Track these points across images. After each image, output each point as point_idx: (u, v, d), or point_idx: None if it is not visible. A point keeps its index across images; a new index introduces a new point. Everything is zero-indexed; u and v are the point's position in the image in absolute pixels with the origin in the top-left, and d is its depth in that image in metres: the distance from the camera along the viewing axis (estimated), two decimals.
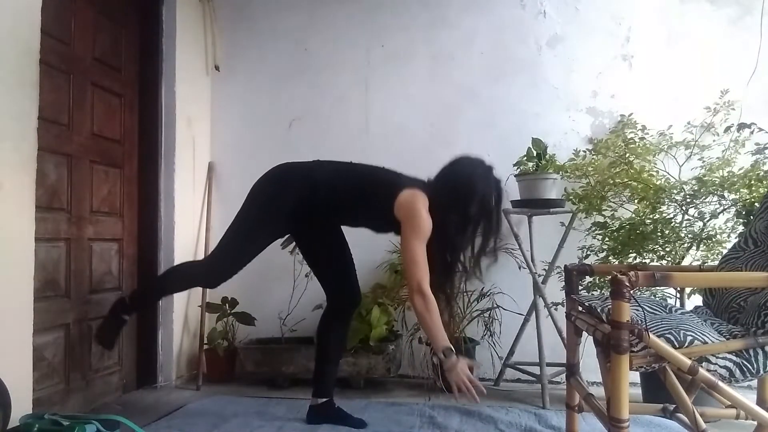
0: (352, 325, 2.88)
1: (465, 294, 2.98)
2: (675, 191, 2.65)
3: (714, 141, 2.84)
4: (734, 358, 1.45)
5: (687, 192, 2.61)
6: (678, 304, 2.42)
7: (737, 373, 1.45)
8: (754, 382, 1.74)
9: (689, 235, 2.61)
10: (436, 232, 2.04)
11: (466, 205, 2.07)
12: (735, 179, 2.53)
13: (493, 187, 2.12)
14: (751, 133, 2.65)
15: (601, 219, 2.76)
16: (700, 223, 2.62)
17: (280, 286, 3.19)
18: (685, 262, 2.62)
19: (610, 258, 2.70)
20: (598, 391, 1.77)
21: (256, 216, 2.20)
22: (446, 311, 2.32)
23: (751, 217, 2.10)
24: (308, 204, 2.16)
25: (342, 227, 2.37)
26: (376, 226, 2.27)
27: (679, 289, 2.47)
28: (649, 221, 2.63)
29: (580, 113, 3.19)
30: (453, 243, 2.13)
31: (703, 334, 1.46)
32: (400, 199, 2.05)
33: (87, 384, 2.60)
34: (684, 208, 2.64)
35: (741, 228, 2.51)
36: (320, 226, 2.31)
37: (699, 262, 2.58)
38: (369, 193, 2.16)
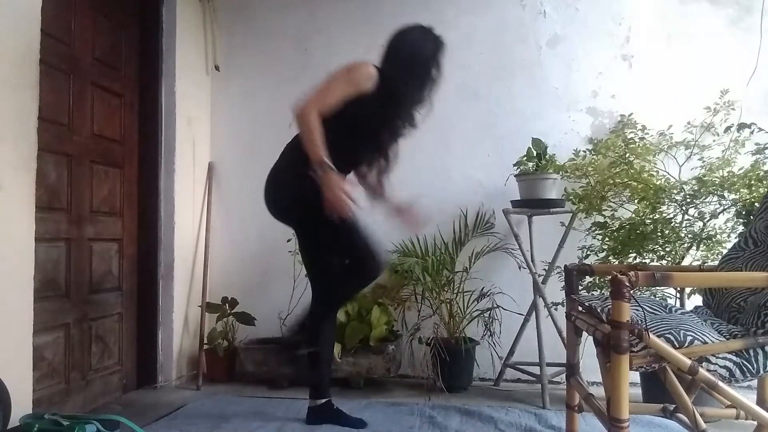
0: (352, 325, 2.89)
1: (465, 294, 2.98)
2: (675, 191, 2.65)
3: (714, 141, 2.84)
4: (734, 358, 1.45)
5: (687, 192, 2.61)
6: (678, 304, 2.42)
7: (737, 373, 1.45)
8: (754, 382, 1.74)
9: (689, 235, 2.61)
10: (387, 96, 2.06)
11: (409, 66, 2.12)
12: (735, 179, 2.52)
13: (432, 42, 2.17)
14: (751, 133, 2.65)
15: (601, 219, 2.76)
16: (700, 223, 2.62)
17: (280, 286, 3.19)
18: (685, 262, 2.62)
19: (610, 258, 2.70)
20: (598, 391, 1.77)
21: (302, 234, 2.27)
22: (384, 171, 2.30)
23: (751, 217, 2.10)
24: (283, 208, 2.18)
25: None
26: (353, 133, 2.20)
27: (679, 289, 2.47)
28: (649, 221, 2.63)
29: (580, 113, 3.19)
30: (395, 93, 2.12)
31: (703, 334, 1.46)
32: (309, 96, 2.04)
33: (87, 384, 2.60)
34: (684, 208, 2.64)
35: (741, 228, 2.51)
36: (305, 219, 2.25)
37: (699, 262, 2.58)
38: (285, 157, 2.23)
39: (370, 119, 2.10)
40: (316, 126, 1.98)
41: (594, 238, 2.79)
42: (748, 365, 1.45)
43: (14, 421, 1.87)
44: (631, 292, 1.37)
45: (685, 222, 2.64)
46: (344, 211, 1.93)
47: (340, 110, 2.04)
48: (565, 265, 2.07)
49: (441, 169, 3.23)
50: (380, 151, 2.26)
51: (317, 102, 2.01)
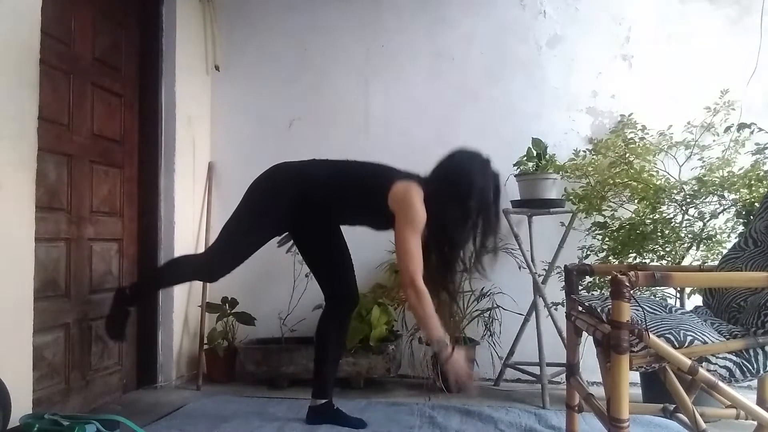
0: (352, 325, 2.88)
1: (465, 294, 2.98)
2: (675, 191, 2.65)
3: (714, 141, 2.84)
4: (734, 358, 1.45)
5: (687, 192, 2.61)
6: (678, 304, 2.42)
7: (737, 373, 1.45)
8: (754, 382, 1.74)
9: (689, 235, 2.61)
10: (433, 225, 2.01)
11: (464, 197, 2.02)
12: (735, 179, 2.53)
13: (491, 179, 2.08)
14: (751, 133, 2.65)
15: (601, 219, 2.76)
16: (700, 223, 2.62)
17: (280, 286, 3.19)
18: (685, 262, 2.62)
19: (610, 258, 2.70)
20: (598, 391, 1.77)
21: (251, 213, 2.21)
22: (448, 308, 2.28)
23: (751, 217, 2.10)
24: (302, 202, 2.15)
25: (342, 227, 2.37)
26: (373, 223, 2.26)
27: (679, 289, 2.47)
28: (649, 221, 2.63)
29: (580, 113, 3.19)
30: (451, 237, 2.09)
31: (703, 334, 1.46)
32: (393, 190, 2.03)
33: (87, 384, 2.60)
34: (684, 208, 2.64)
35: (741, 228, 2.51)
36: (317, 225, 2.30)
37: (699, 262, 2.58)
38: (362, 189, 2.14)
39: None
40: (429, 299, 1.93)
41: (594, 238, 2.79)
42: (748, 365, 1.45)
43: (14, 421, 1.87)
44: (631, 292, 1.37)
45: (685, 222, 2.65)
46: (469, 391, 1.97)
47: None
48: (565, 265, 2.07)
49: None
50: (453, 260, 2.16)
51: (414, 265, 1.95)
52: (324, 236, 2.34)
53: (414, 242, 1.97)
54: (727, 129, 2.78)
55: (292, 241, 2.41)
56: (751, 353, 1.46)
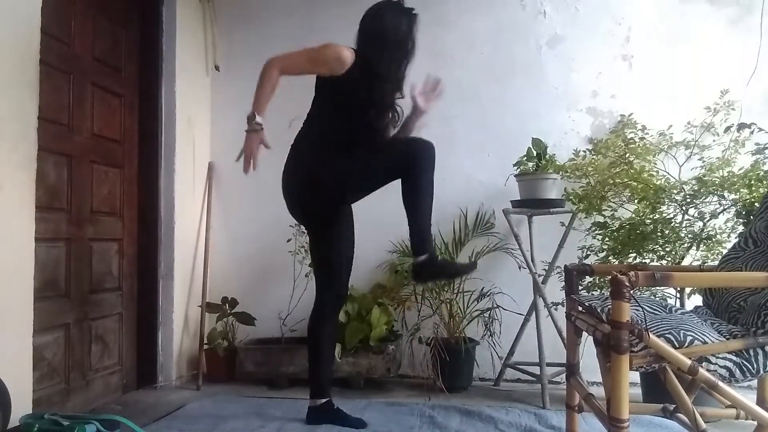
0: (352, 325, 2.89)
1: (465, 294, 2.98)
2: (675, 191, 2.65)
3: (714, 141, 2.84)
4: (734, 358, 1.45)
5: (687, 192, 2.61)
6: (678, 304, 2.42)
7: (737, 373, 1.45)
8: (754, 382, 1.73)
9: (689, 235, 2.61)
10: (366, 74, 2.13)
11: (382, 39, 2.18)
12: (735, 179, 2.52)
13: (402, 11, 2.23)
14: (751, 133, 2.65)
15: (601, 219, 2.76)
16: (700, 223, 2.62)
17: (280, 286, 3.19)
18: (685, 262, 2.62)
19: (610, 258, 2.70)
20: (598, 391, 1.77)
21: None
22: (386, 131, 2.34)
23: (751, 217, 2.10)
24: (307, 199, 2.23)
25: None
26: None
27: (679, 289, 2.47)
28: (649, 221, 2.63)
29: (580, 113, 3.19)
30: (378, 71, 2.17)
31: (703, 334, 1.46)
32: None
33: (87, 384, 2.60)
34: (684, 208, 2.64)
35: (741, 228, 2.51)
36: (340, 212, 2.35)
37: (699, 262, 2.58)
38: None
39: (364, 97, 2.17)
40: (271, 81, 2.15)
41: (594, 238, 2.79)
42: (748, 365, 1.45)
43: (14, 421, 1.87)
44: (631, 292, 1.37)
45: (685, 222, 2.64)
46: (245, 163, 2.18)
47: (334, 95, 2.22)
48: (565, 265, 2.07)
49: (441, 169, 3.19)
50: (381, 117, 2.28)
51: (282, 60, 2.19)
52: (338, 234, 2.35)
53: (304, 54, 2.18)
54: (727, 129, 2.78)
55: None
56: (751, 353, 1.46)
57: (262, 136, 2.18)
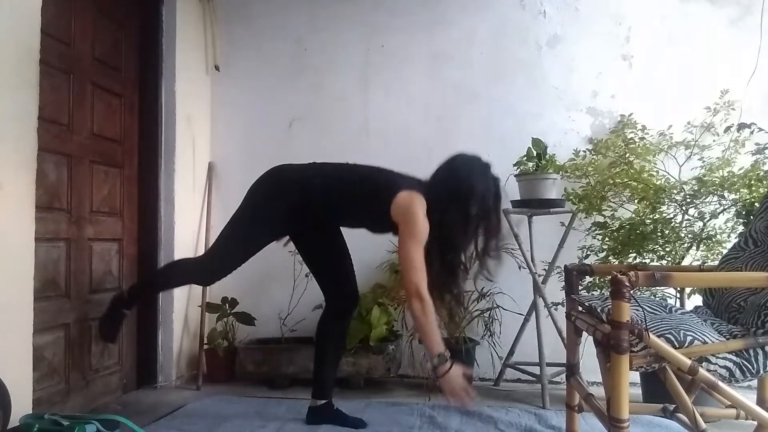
0: (352, 325, 2.88)
1: (465, 294, 2.98)
2: (675, 191, 2.65)
3: (714, 141, 2.84)
4: (734, 358, 1.45)
5: (687, 192, 2.61)
6: (678, 304, 2.42)
7: (737, 373, 1.45)
8: (754, 382, 1.74)
9: (689, 235, 2.61)
10: (435, 232, 2.02)
11: (465, 203, 2.04)
12: (735, 179, 2.53)
13: (491, 183, 2.10)
14: (751, 133, 2.65)
15: (601, 219, 2.76)
16: (700, 223, 2.62)
17: (280, 286, 3.19)
18: (685, 262, 2.62)
19: (610, 258, 2.70)
20: (598, 391, 1.77)
21: (252, 217, 2.20)
22: (454, 312, 2.28)
23: (751, 217, 2.10)
24: (304, 206, 2.15)
25: (342, 228, 2.37)
26: (374, 228, 2.26)
27: (679, 289, 2.47)
28: (649, 221, 2.63)
29: (580, 113, 3.19)
30: (453, 242, 2.10)
31: (703, 334, 1.46)
32: (397, 200, 2.03)
33: (87, 384, 2.60)
34: (684, 208, 2.64)
35: (741, 228, 2.51)
36: (318, 228, 2.31)
37: (699, 262, 2.58)
38: (365, 195, 2.13)
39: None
40: (433, 311, 1.95)
41: (594, 238, 2.79)
42: (748, 365, 1.45)
43: (14, 421, 1.87)
44: (631, 292, 1.37)
45: (685, 222, 2.65)
46: (465, 403, 1.97)
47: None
48: (565, 265, 2.07)
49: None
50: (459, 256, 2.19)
51: (418, 275, 1.95)
52: (325, 238, 2.34)
53: (418, 254, 1.97)
54: (727, 129, 2.78)
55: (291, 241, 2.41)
56: (751, 353, 1.46)
57: (456, 366, 1.95)
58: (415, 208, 2.00)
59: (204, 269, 2.33)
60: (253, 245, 2.22)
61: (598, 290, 2.64)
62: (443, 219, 2.04)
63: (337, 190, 2.17)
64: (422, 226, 1.99)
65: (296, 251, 2.52)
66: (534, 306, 2.87)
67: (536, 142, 2.93)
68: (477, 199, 2.04)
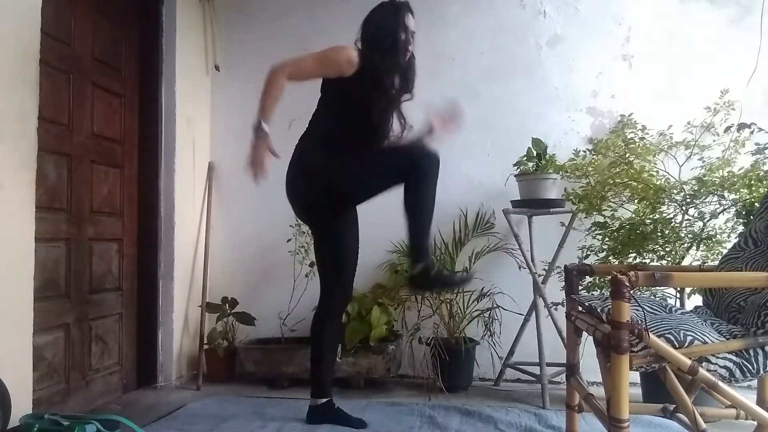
0: (352, 325, 2.89)
1: (465, 294, 2.98)
2: (675, 191, 2.65)
3: (714, 141, 2.84)
4: (734, 358, 1.45)
5: (687, 192, 2.61)
6: (678, 304, 2.42)
7: (737, 373, 1.45)
8: (754, 382, 1.74)
9: (689, 235, 2.61)
10: (366, 71, 2.15)
11: (376, 34, 2.22)
12: (735, 179, 2.52)
13: (391, 7, 2.27)
14: (751, 133, 2.65)
15: (601, 219, 2.76)
16: (700, 223, 2.62)
17: (280, 286, 3.19)
18: (685, 262, 2.62)
19: (610, 258, 2.70)
20: (598, 391, 1.77)
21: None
22: (405, 127, 2.37)
23: (751, 217, 2.10)
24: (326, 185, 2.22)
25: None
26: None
27: (679, 289, 2.47)
28: (649, 221, 2.63)
29: (580, 113, 3.19)
30: (378, 71, 2.20)
31: (703, 334, 1.46)
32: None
33: (87, 384, 2.60)
34: (684, 208, 2.64)
35: (741, 228, 2.51)
36: (349, 214, 2.36)
37: (699, 262, 2.58)
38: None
39: (367, 96, 2.18)
40: (277, 88, 2.13)
41: (594, 238, 2.79)
42: (748, 365, 1.45)
43: (14, 421, 1.87)
44: (631, 292, 1.37)
45: (685, 222, 2.64)
46: (253, 172, 2.12)
47: (341, 96, 2.22)
48: (565, 265, 2.07)
49: (441, 169, 3.22)
50: (386, 118, 2.30)
51: (289, 66, 2.17)
52: (342, 234, 2.35)
53: (313, 58, 2.19)
54: (727, 129, 2.78)
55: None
56: (751, 353, 1.46)
57: (269, 143, 2.14)
58: (338, 46, 2.17)
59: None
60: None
61: (598, 290, 2.64)
62: (368, 57, 2.17)
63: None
64: (337, 49, 2.16)
65: (296, 251, 2.53)
66: (534, 306, 2.87)
67: (536, 142, 2.93)
68: (382, 27, 2.24)
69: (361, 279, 3.07)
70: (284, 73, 2.15)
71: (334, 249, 2.34)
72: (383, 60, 2.20)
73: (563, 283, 2.11)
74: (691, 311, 1.92)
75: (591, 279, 2.64)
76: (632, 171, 2.70)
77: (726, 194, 2.55)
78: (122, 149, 2.93)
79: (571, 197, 2.83)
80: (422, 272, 2.11)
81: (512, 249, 2.92)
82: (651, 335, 1.40)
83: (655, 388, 2.34)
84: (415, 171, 2.16)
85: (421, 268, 2.11)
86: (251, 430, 2.27)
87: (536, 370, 2.77)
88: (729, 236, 2.60)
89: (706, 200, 2.60)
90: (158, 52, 3.09)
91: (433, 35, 3.32)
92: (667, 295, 2.62)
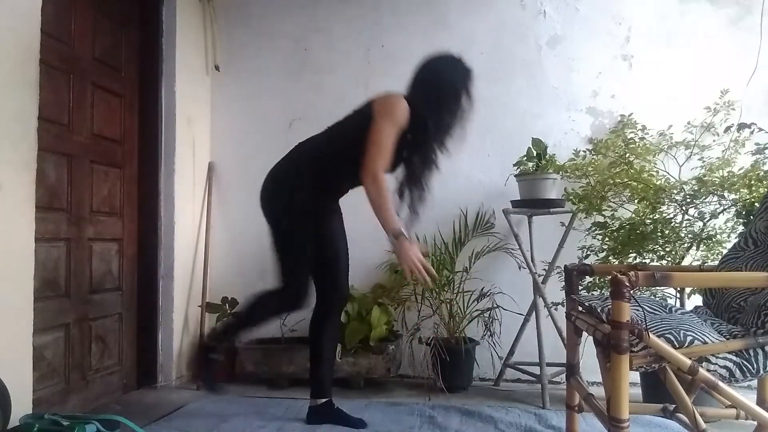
0: (352, 325, 2.89)
1: (465, 294, 2.98)
2: (675, 191, 2.64)
3: (714, 141, 2.84)
4: (734, 358, 1.45)
5: (687, 192, 2.61)
6: (678, 304, 2.42)
7: (737, 373, 1.45)
8: (754, 382, 1.74)
9: (689, 235, 2.61)
10: (417, 129, 2.05)
11: (448, 102, 2.10)
12: (735, 179, 2.52)
13: (461, 73, 2.15)
14: (751, 133, 2.65)
15: (601, 219, 2.76)
16: (700, 223, 2.62)
17: None
18: (685, 262, 2.62)
19: (610, 258, 2.70)
20: (598, 391, 1.77)
21: (278, 227, 2.24)
22: (420, 199, 2.24)
23: (751, 217, 2.10)
24: (310, 184, 2.17)
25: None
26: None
27: (679, 289, 2.47)
28: (649, 221, 2.63)
29: (580, 113, 3.19)
30: (434, 136, 2.13)
31: (703, 334, 1.46)
32: (375, 99, 2.08)
33: (87, 384, 2.60)
34: (684, 208, 2.64)
35: (741, 228, 2.51)
36: (330, 211, 2.32)
37: (699, 262, 2.58)
38: (348, 128, 2.16)
39: (402, 150, 2.08)
40: (386, 188, 1.98)
41: (594, 238, 2.79)
42: (748, 365, 1.45)
43: (14, 421, 1.87)
44: (631, 292, 1.37)
45: (685, 222, 2.64)
46: (424, 279, 1.97)
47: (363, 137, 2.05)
48: (565, 265, 2.07)
49: (441, 169, 3.24)
50: (413, 179, 2.21)
51: (381, 160, 1.99)
52: (334, 235, 2.34)
53: (388, 135, 1.99)
54: (727, 129, 2.78)
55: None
56: (751, 353, 1.46)
57: (414, 243, 1.99)
58: (394, 96, 2.05)
59: (287, 297, 2.29)
60: (300, 249, 2.22)
61: (598, 290, 2.64)
62: (422, 114, 2.05)
63: (323, 152, 2.21)
64: (401, 107, 2.01)
65: None
66: (534, 306, 2.87)
67: (536, 142, 2.93)
68: (459, 96, 2.11)
69: (361, 279, 3.08)
70: (381, 171, 2.00)
71: (328, 250, 2.33)
72: (437, 118, 2.08)
73: (563, 283, 2.11)
74: (691, 311, 1.92)
75: (591, 279, 2.64)
76: (632, 171, 2.70)
77: (726, 194, 2.55)
78: (122, 149, 2.93)
79: (571, 197, 2.82)
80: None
81: (512, 249, 2.92)
82: (651, 335, 1.40)
83: (655, 388, 2.34)
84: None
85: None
86: (251, 430, 2.27)
87: (536, 370, 2.77)
88: (729, 236, 2.60)
89: (706, 200, 2.60)
90: (158, 52, 3.09)
91: (433, 35, 3.32)
92: (667, 295, 2.62)
